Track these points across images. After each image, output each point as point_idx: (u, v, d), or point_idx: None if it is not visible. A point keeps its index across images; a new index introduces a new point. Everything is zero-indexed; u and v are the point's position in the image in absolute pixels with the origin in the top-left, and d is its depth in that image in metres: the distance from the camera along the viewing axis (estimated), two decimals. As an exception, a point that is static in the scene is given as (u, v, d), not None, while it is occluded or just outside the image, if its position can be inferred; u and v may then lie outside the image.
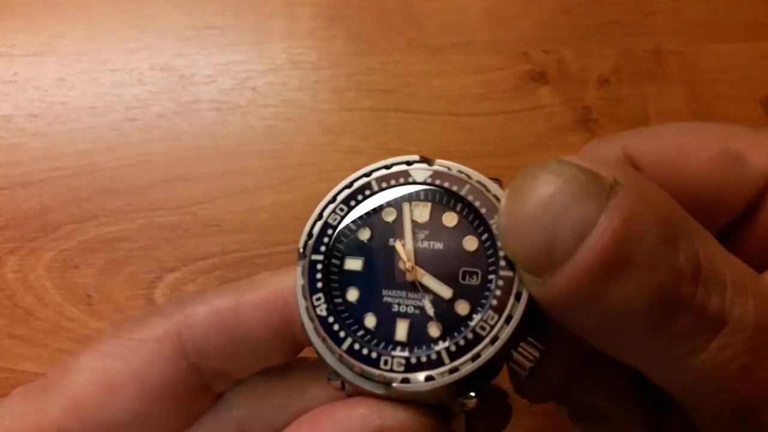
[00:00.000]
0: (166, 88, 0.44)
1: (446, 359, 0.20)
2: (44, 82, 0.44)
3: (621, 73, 0.44)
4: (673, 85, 0.43)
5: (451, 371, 0.20)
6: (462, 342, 0.20)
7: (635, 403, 0.24)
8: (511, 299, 0.20)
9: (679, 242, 0.17)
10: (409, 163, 0.23)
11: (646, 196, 0.17)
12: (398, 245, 0.21)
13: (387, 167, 0.23)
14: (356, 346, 0.21)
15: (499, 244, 0.20)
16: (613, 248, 0.16)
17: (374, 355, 0.20)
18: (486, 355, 0.20)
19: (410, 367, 0.20)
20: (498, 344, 0.20)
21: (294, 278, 0.22)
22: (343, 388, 0.22)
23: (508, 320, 0.20)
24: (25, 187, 0.42)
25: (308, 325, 0.21)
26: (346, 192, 0.23)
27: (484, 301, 0.20)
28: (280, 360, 0.24)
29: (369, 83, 0.44)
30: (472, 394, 0.21)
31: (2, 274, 0.40)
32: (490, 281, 0.20)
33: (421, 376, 0.20)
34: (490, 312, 0.20)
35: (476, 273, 0.21)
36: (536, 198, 0.17)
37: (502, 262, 0.20)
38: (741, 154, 0.20)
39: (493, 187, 0.22)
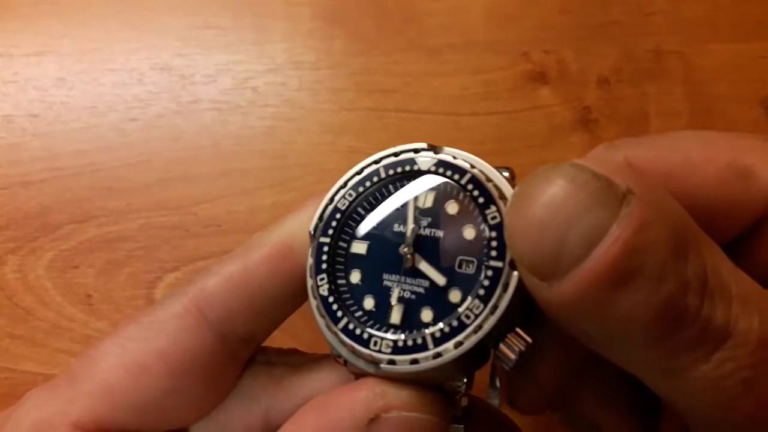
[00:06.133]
0: (166, 88, 0.44)
1: (430, 344, 0.20)
2: (44, 82, 0.44)
3: (621, 73, 0.44)
4: (673, 85, 0.43)
5: (435, 356, 0.20)
6: (447, 329, 0.20)
7: (629, 415, 0.24)
8: (498, 290, 0.20)
9: (687, 254, 0.17)
10: (416, 151, 0.23)
11: (658, 206, 0.17)
12: (408, 231, 0.22)
13: (395, 155, 0.23)
14: (350, 326, 0.21)
15: (492, 234, 0.21)
16: (622, 258, 0.16)
17: (365, 335, 0.21)
18: (468, 344, 0.20)
19: (397, 350, 0.21)
20: (481, 333, 0.20)
21: (295, 221, 0.24)
22: (345, 364, 0.22)
23: (493, 310, 0.20)
24: (25, 187, 0.42)
25: (312, 303, 0.22)
26: (357, 178, 0.23)
27: (474, 288, 0.21)
28: (297, 306, 0.25)
29: (369, 83, 0.44)
30: (464, 378, 0.21)
31: (2, 274, 0.40)
32: (482, 270, 0.21)
33: (406, 358, 0.20)
34: (476, 301, 0.20)
35: (472, 262, 0.21)
36: (547, 201, 0.17)
37: (493, 252, 0.20)
38: (749, 169, 0.20)
39: (496, 177, 0.22)
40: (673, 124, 0.43)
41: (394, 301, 0.22)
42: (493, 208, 0.21)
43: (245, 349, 0.25)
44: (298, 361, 0.26)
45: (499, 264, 0.20)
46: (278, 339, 0.27)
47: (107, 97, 0.44)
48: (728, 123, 0.42)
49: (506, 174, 0.22)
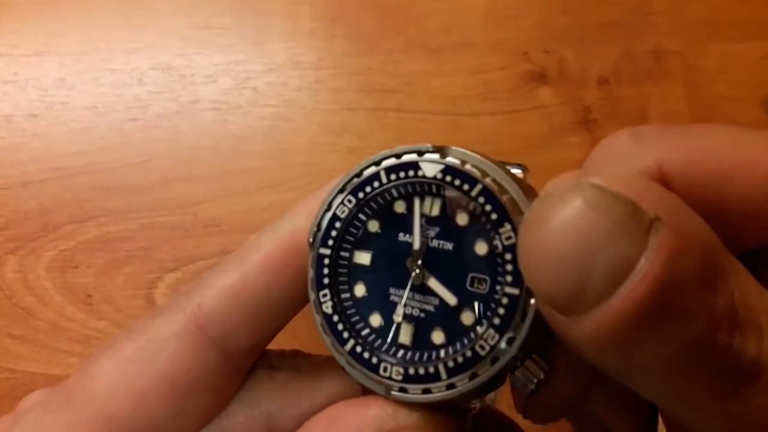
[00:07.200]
0: (166, 88, 0.44)
1: (443, 375, 0.19)
2: (44, 82, 0.44)
3: (621, 73, 0.44)
4: (673, 85, 0.43)
5: (448, 387, 0.19)
6: (460, 359, 0.19)
7: (638, 419, 0.24)
8: (515, 319, 0.18)
9: (716, 285, 0.15)
10: (420, 153, 0.20)
11: (686, 233, 0.15)
12: (416, 243, 0.20)
13: (397, 156, 0.21)
14: (358, 349, 0.20)
15: (507, 256, 0.18)
16: (652, 297, 0.14)
17: (375, 360, 0.20)
18: (484, 376, 0.18)
19: (408, 378, 0.19)
20: (497, 366, 0.18)
21: (291, 222, 0.22)
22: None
23: (510, 342, 0.18)
24: (25, 187, 0.42)
25: (316, 319, 0.21)
26: (356, 181, 0.21)
27: (489, 313, 0.19)
28: (301, 307, 0.24)
29: (369, 83, 0.44)
30: (476, 401, 0.20)
31: (2, 274, 0.40)
32: (497, 293, 0.19)
33: (418, 387, 0.19)
34: (491, 331, 0.18)
35: (485, 280, 0.19)
36: (565, 229, 0.15)
37: (509, 278, 0.18)
38: None
39: (511, 187, 0.19)
40: (673, 124, 0.43)
41: (399, 318, 0.20)
42: (508, 226, 0.18)
43: (248, 359, 0.25)
44: (301, 364, 0.25)
45: (515, 291, 0.18)
46: (280, 339, 0.27)
47: (107, 97, 0.44)
48: (728, 123, 0.42)
49: (517, 171, 0.20)
